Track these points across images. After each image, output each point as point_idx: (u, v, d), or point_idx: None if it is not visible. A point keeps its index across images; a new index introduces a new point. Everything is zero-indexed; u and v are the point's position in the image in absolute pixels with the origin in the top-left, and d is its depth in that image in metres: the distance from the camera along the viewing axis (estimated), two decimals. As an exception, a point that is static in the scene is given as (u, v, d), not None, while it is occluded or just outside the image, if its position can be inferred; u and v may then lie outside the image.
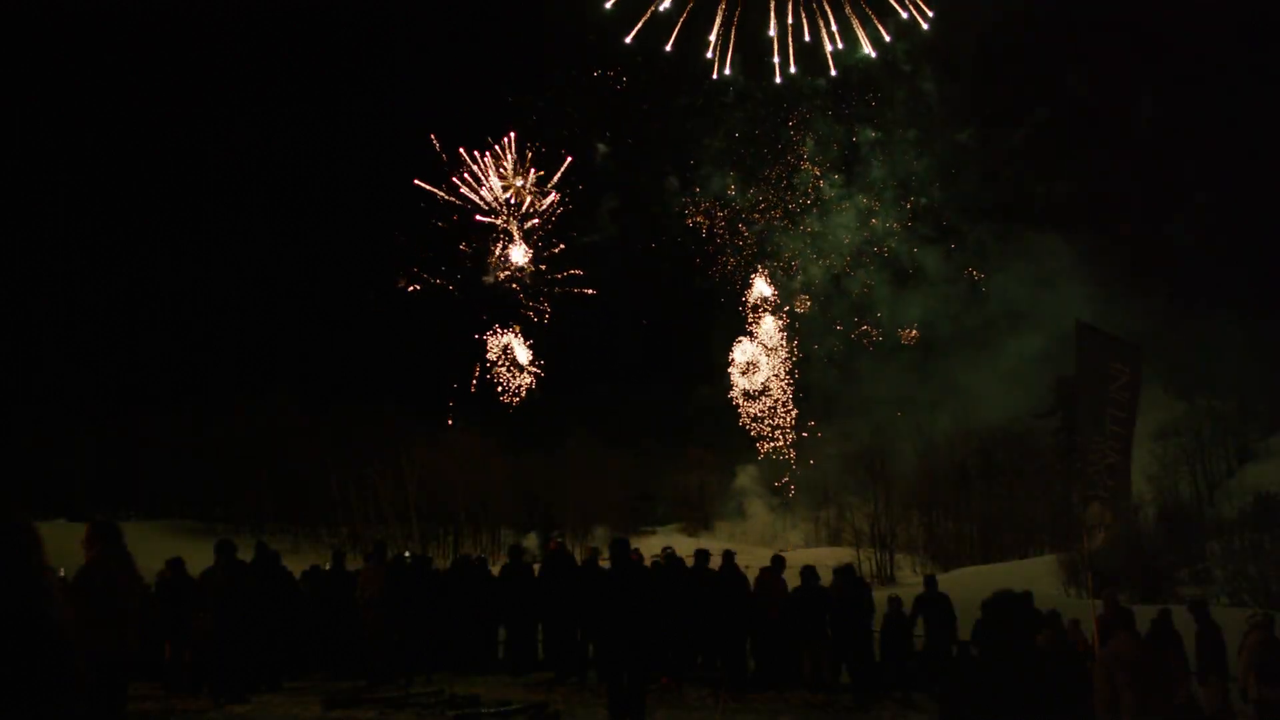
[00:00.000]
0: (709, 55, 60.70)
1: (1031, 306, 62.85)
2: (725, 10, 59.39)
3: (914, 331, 65.44)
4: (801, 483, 76.26)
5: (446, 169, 60.38)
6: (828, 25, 58.07)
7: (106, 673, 5.53)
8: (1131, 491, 9.80)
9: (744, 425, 68.07)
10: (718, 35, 59.64)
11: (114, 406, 70.19)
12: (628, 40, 59.75)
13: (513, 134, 60.95)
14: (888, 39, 56.62)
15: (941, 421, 69.15)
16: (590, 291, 63.65)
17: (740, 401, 65.02)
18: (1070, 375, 10.50)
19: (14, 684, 2.26)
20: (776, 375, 65.68)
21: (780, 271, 65.55)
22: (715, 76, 60.11)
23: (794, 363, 66.90)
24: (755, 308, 64.84)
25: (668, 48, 60.27)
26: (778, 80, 60.22)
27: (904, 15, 54.92)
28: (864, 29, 56.95)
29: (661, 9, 56.89)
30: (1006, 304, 64.64)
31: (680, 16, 58.37)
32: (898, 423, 71.09)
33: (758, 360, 64.59)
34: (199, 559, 11.84)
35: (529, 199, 60.79)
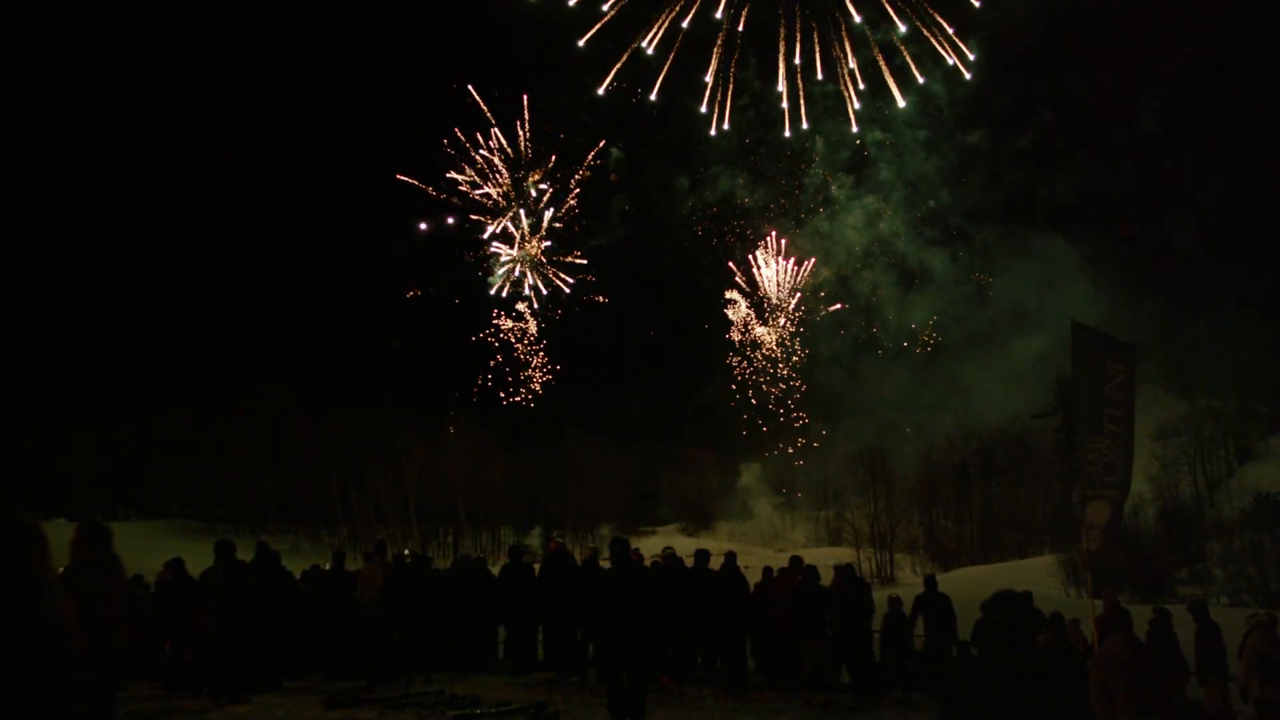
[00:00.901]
0: (703, 109, 53.32)
1: (1035, 308, 62.93)
2: (720, 57, 50.07)
3: (934, 335, 64.94)
4: (803, 483, 76.33)
5: (451, 164, 58.28)
6: (851, 76, 51.55)
7: (98, 673, 5.53)
8: (1130, 490, 9.81)
9: (750, 415, 67.59)
10: (714, 86, 53.18)
11: (114, 406, 70.29)
12: (600, 92, 53.91)
13: (525, 97, 56.38)
14: (920, 79, 51.53)
15: (942, 422, 69.24)
16: (602, 299, 61.69)
17: (750, 350, 63.00)
18: (1069, 375, 10.51)
19: (13, 684, 2.26)
20: (783, 379, 65.10)
21: (789, 273, 64.96)
22: (713, 132, 55.08)
23: (801, 365, 66.62)
24: (760, 302, 63.74)
25: (652, 96, 52.94)
26: (787, 134, 55.20)
27: (950, 62, 50.03)
28: (896, 81, 51.37)
29: (642, 45, 49.53)
30: (1010, 306, 64.68)
31: (665, 62, 51.45)
32: (899, 423, 71.18)
33: (766, 341, 63.35)
34: (199, 559, 11.85)
35: (543, 187, 58.04)
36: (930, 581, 14.46)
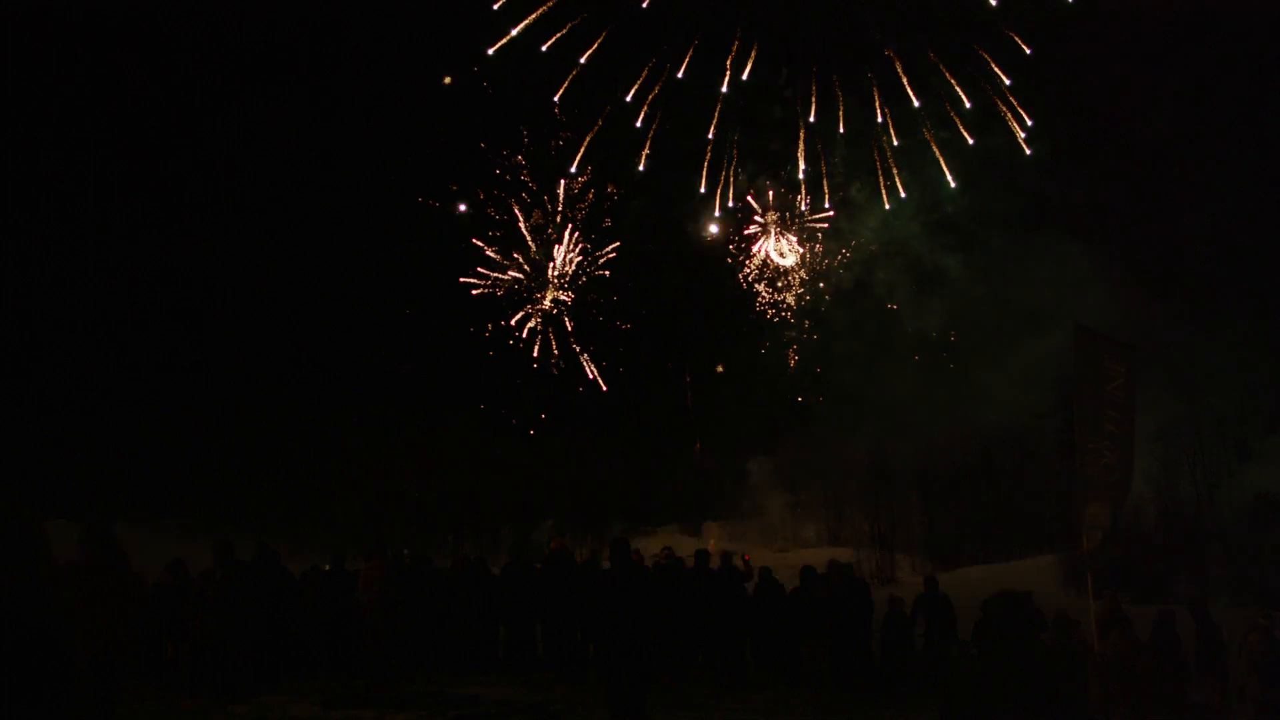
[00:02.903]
0: (701, 189, 47.69)
1: (1044, 310, 62.68)
2: (717, 128, 45.05)
3: (952, 337, 64.08)
4: (809, 481, 76.21)
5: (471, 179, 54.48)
6: (891, 151, 44.71)
7: (98, 673, 5.54)
8: (1130, 491, 9.81)
9: (758, 412, 66.43)
10: (713, 159, 46.46)
11: (114, 406, 70.17)
12: (572, 169, 46.34)
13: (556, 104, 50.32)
14: (970, 139, 45.08)
15: (943, 421, 69.13)
16: (625, 326, 57.77)
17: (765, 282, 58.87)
18: (1069, 375, 10.51)
19: (13, 684, 2.26)
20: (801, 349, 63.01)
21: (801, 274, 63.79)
22: (718, 213, 49.03)
23: (820, 364, 65.82)
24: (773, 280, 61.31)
25: (640, 166, 46.72)
26: (803, 207, 49.49)
27: (1021, 133, 43.37)
28: (944, 157, 45.18)
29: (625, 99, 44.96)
30: (1023, 308, 64.38)
31: (650, 130, 44.78)
32: (902, 423, 71.05)
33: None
34: (199, 559, 11.85)
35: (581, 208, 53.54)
36: (930, 582, 14.46)
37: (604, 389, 52.61)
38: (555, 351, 54.91)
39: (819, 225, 53.90)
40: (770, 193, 55.39)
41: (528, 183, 53.43)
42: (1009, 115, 42.14)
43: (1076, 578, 38.21)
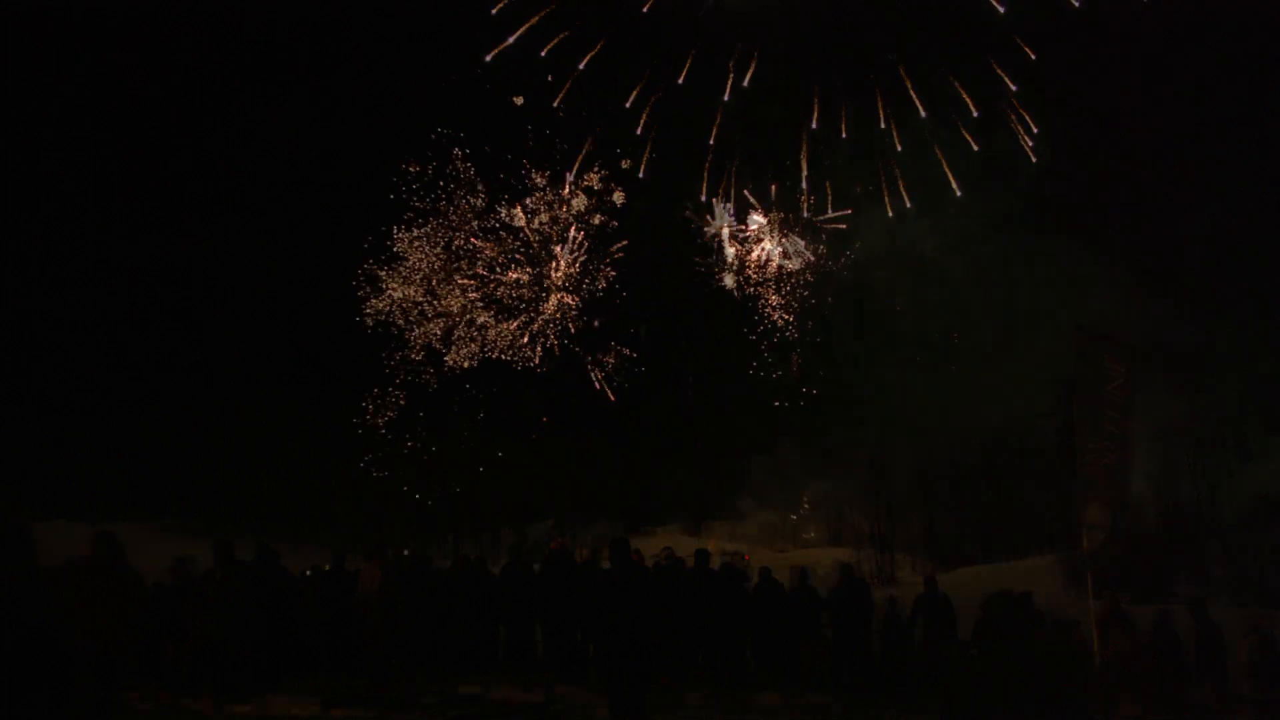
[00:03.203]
0: (702, 196, 46.90)
1: (1044, 310, 62.62)
2: (719, 132, 44.03)
3: (955, 337, 63.84)
4: (806, 482, 76.24)
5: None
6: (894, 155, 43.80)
7: (98, 673, 5.55)
8: (1131, 491, 9.82)
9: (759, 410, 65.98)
10: (719, 183, 45.40)
11: (114, 406, 70.16)
12: (569, 177, 45.30)
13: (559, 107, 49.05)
14: (975, 145, 44.13)
15: (944, 421, 69.07)
16: (634, 325, 56.75)
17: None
18: (1069, 375, 10.51)
19: (13, 684, 2.26)
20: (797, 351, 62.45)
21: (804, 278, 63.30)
22: (719, 215, 47.92)
23: (818, 362, 65.51)
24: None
25: (640, 173, 45.72)
26: (805, 214, 48.68)
27: (1027, 141, 42.63)
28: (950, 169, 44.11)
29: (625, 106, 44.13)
30: (1019, 308, 64.35)
31: (648, 138, 43.77)
32: (900, 422, 71.00)
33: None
34: (199, 559, 11.86)
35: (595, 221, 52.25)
36: (930, 582, 14.47)
37: (611, 398, 52.21)
38: (557, 354, 54.51)
39: (836, 226, 53.57)
40: (774, 188, 55.15)
41: (530, 185, 53.22)
42: (1015, 122, 41.80)
43: (1076, 578, 38.15)
